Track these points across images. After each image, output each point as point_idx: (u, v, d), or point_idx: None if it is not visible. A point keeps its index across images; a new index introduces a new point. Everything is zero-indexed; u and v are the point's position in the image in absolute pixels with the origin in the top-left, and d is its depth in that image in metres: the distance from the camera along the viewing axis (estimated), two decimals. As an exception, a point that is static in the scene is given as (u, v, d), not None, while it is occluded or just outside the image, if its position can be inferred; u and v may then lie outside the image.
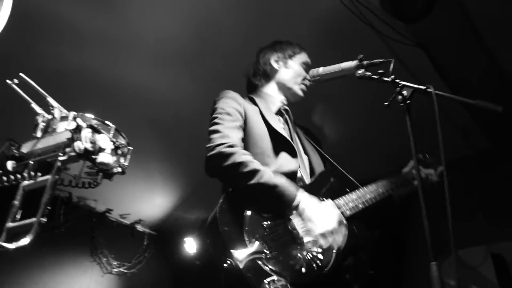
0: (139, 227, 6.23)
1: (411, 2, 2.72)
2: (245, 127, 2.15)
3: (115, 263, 5.68)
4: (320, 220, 1.87)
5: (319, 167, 2.28)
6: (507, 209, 4.56)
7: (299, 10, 3.34)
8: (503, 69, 3.73)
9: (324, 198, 2.04)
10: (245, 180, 1.86)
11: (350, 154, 4.83)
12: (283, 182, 1.90)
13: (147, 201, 5.81)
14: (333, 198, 2.06)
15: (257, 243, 1.73)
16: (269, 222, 1.84)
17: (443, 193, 1.58)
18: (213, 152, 1.92)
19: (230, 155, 1.89)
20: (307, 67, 2.48)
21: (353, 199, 2.10)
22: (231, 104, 2.18)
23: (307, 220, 1.87)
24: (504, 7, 3.23)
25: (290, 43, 2.56)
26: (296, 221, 1.89)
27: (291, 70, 2.45)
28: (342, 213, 2.01)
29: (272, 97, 2.43)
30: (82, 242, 5.48)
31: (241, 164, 1.88)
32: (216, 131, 2.01)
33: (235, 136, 2.02)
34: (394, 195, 2.29)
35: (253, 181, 1.85)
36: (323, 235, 1.87)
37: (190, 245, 6.00)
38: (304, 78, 2.44)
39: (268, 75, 2.47)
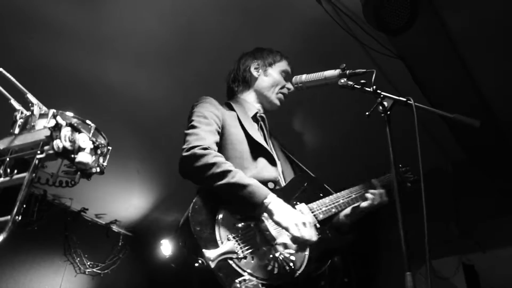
0: (114, 228, 6.17)
1: (393, 16, 2.77)
2: (223, 131, 2.16)
3: (88, 263, 5.61)
4: (291, 222, 1.84)
5: (289, 176, 2.28)
6: (480, 221, 4.66)
7: (284, 17, 3.36)
8: (479, 85, 3.82)
9: (297, 202, 2.06)
10: (216, 180, 1.86)
11: (330, 162, 4.88)
12: (255, 183, 1.90)
13: (124, 201, 5.75)
14: (306, 203, 2.08)
15: (229, 243, 1.73)
16: (242, 223, 1.85)
17: (418, 203, 1.60)
18: (187, 153, 1.92)
19: (202, 156, 1.90)
20: (286, 75, 2.49)
21: (326, 203, 2.12)
22: (209, 108, 2.19)
23: (277, 222, 1.85)
24: (482, 25, 3.31)
25: (271, 51, 2.56)
26: (268, 222, 1.89)
27: (270, 78, 2.45)
28: (315, 216, 2.02)
29: (250, 103, 2.43)
30: (56, 240, 5.41)
31: (214, 164, 1.88)
32: (192, 134, 2.02)
33: (210, 139, 2.02)
34: (360, 207, 2.25)
35: (224, 181, 1.84)
36: (295, 237, 1.84)
37: (166, 247, 5.95)
38: (283, 87, 2.45)
39: (247, 82, 2.47)
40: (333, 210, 2.11)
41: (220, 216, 1.82)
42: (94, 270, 5.65)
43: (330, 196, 2.17)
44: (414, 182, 2.47)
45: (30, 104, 1.20)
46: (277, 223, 1.83)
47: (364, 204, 2.15)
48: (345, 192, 2.22)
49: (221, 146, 2.12)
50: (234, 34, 3.45)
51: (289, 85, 2.46)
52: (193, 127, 2.07)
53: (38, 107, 1.19)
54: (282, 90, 2.45)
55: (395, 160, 1.71)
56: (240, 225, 1.84)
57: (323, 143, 4.80)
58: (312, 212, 2.04)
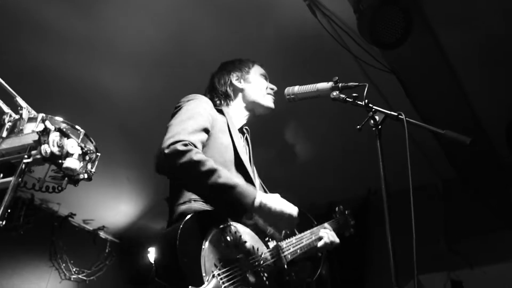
0: (102, 234, 6.10)
1: (387, 30, 2.78)
2: (211, 132, 2.07)
3: (74, 269, 5.54)
4: (284, 205, 1.90)
5: None
6: (468, 238, 4.67)
7: (277, 29, 3.37)
8: (470, 101, 3.85)
9: (270, 239, 2.03)
10: (202, 180, 1.78)
11: (322, 174, 4.88)
12: (242, 183, 1.86)
13: (112, 208, 5.70)
14: (277, 241, 2.06)
15: (214, 281, 1.64)
16: (227, 255, 1.75)
17: (406, 218, 1.59)
18: (168, 150, 1.78)
19: (185, 152, 1.78)
20: (265, 77, 2.49)
21: (293, 243, 2.14)
22: (202, 105, 2.12)
23: (271, 211, 1.85)
24: (475, 41, 3.35)
25: (240, 60, 2.52)
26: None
27: (255, 84, 2.41)
28: (284, 256, 2.02)
29: (237, 114, 2.37)
30: (41, 246, 5.33)
31: (198, 162, 1.77)
32: (176, 127, 1.93)
33: (195, 137, 1.92)
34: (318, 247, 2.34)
35: (211, 181, 1.77)
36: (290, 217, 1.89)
37: (153, 255, 5.89)
38: (267, 87, 2.43)
39: (229, 96, 2.39)
40: (298, 251, 2.13)
41: (206, 245, 1.70)
42: (80, 276, 5.57)
43: (296, 236, 2.20)
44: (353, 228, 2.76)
45: (19, 108, 1.19)
46: (271, 209, 1.86)
47: (320, 243, 2.30)
48: (307, 232, 2.28)
49: (206, 147, 2.02)
50: (226, 40, 3.46)
51: (271, 85, 2.45)
52: (180, 120, 1.97)
53: (27, 110, 1.17)
54: (269, 91, 2.43)
55: (385, 173, 1.71)
56: (223, 260, 1.72)
57: (315, 155, 4.80)
58: (282, 252, 2.03)
